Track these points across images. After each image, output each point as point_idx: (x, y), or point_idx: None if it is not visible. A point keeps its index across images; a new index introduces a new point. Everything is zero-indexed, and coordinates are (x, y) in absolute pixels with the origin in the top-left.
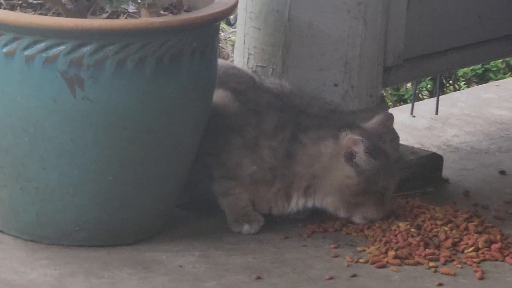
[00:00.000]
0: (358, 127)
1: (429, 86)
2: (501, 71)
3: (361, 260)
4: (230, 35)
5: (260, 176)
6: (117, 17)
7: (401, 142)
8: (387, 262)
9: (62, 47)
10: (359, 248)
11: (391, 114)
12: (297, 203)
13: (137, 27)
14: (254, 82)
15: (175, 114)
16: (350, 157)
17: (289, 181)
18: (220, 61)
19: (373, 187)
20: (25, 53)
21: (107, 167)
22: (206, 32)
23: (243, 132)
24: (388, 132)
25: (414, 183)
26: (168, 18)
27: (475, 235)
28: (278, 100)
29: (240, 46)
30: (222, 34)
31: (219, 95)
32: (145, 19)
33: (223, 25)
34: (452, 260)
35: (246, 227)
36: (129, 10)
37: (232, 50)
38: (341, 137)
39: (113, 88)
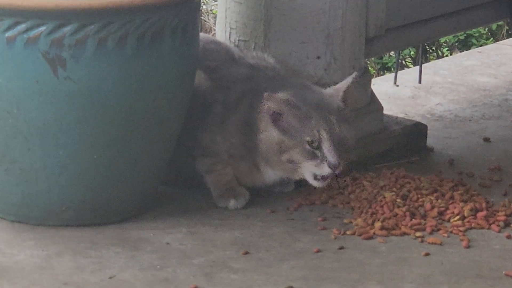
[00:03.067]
0: (303, 87)
1: (412, 53)
2: (484, 36)
3: (348, 232)
4: (213, 7)
5: (235, 151)
6: None
7: (385, 112)
8: (374, 233)
9: (43, 28)
10: (345, 220)
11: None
12: (267, 172)
13: (118, 6)
14: (231, 57)
15: (157, 92)
16: (276, 116)
17: (255, 152)
18: (200, 35)
19: (297, 140)
20: (6, 34)
21: (92, 146)
22: (187, 9)
23: (213, 110)
24: (349, 89)
25: (399, 153)
26: None
27: (461, 204)
28: (250, 72)
29: (222, 21)
30: (204, 6)
31: None
32: None
33: None
34: (438, 230)
35: (232, 202)
36: None
37: (215, 23)
38: (264, 99)
39: (95, 67)
